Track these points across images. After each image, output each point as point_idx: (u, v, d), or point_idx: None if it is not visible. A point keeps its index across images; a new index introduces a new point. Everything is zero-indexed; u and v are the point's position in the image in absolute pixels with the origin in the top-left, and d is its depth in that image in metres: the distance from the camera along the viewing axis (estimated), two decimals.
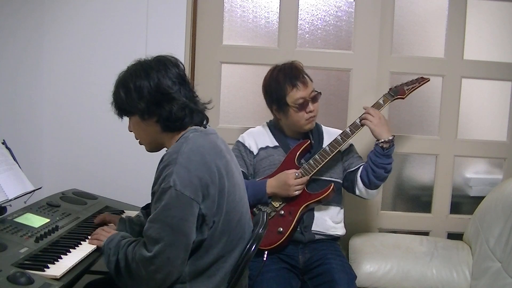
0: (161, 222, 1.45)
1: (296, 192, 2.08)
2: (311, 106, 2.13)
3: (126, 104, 1.59)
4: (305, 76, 2.15)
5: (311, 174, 2.12)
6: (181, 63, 1.63)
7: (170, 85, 1.55)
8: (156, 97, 1.54)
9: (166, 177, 1.45)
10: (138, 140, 1.68)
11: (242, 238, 1.61)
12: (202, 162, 1.49)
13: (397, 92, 2.22)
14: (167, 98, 1.55)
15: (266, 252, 2.03)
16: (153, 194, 1.52)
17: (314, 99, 2.14)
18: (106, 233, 1.66)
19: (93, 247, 1.64)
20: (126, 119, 1.66)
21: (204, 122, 1.66)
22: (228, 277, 1.58)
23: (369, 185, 2.15)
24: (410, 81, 2.25)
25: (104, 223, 1.88)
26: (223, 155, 1.58)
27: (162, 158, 1.52)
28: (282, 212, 2.12)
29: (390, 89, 2.25)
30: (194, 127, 1.59)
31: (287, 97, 2.12)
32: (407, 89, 2.22)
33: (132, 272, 1.51)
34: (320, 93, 2.16)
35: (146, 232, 1.47)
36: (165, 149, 1.64)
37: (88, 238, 1.72)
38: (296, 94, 2.10)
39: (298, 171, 2.10)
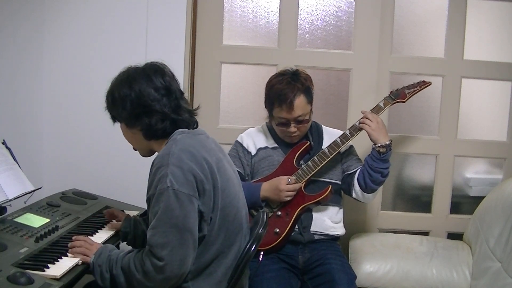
0: (165, 225, 1.44)
1: (287, 198, 2.08)
2: (292, 128, 2.12)
3: (114, 111, 1.63)
4: (300, 97, 2.07)
5: (309, 176, 2.12)
6: (169, 70, 1.64)
7: (152, 96, 1.55)
8: (136, 109, 1.56)
9: (161, 179, 1.46)
10: (132, 146, 1.71)
11: (240, 233, 1.63)
12: (193, 159, 1.50)
13: (398, 96, 2.22)
14: (146, 110, 1.56)
15: (262, 253, 2.04)
16: (148, 199, 1.52)
17: (299, 122, 2.12)
18: (90, 247, 1.60)
19: None
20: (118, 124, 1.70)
21: (194, 127, 1.67)
22: (229, 274, 1.59)
23: (365, 188, 2.15)
24: (412, 84, 2.25)
25: (113, 218, 1.93)
26: (213, 153, 1.59)
27: (153, 162, 1.54)
28: (279, 213, 2.12)
29: (391, 92, 2.25)
30: (181, 129, 1.60)
31: (273, 111, 2.13)
32: (408, 93, 2.22)
33: (135, 283, 1.49)
34: (309, 119, 2.14)
35: (151, 239, 1.45)
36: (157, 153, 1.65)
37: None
38: (279, 114, 2.11)
39: (293, 178, 2.10)
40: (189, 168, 1.47)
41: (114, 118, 1.67)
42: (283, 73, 2.16)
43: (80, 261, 1.54)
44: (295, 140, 2.19)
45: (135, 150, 1.72)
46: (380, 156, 2.10)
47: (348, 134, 2.16)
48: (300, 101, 2.07)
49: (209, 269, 1.56)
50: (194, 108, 1.71)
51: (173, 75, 1.65)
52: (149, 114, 1.56)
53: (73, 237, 1.65)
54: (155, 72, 1.60)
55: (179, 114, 1.61)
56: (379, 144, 2.10)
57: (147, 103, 1.55)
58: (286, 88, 2.07)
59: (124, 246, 1.78)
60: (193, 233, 1.47)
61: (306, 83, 2.12)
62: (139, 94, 1.55)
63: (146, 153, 1.70)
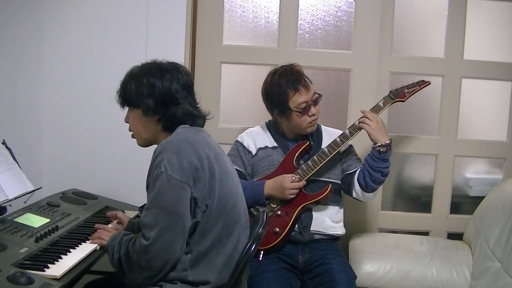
0: (156, 207, 1.50)
1: (291, 195, 2.09)
2: (313, 110, 2.13)
3: (134, 97, 1.64)
4: (306, 79, 2.14)
5: (309, 175, 2.12)
6: (190, 74, 1.72)
7: (179, 91, 1.62)
8: (165, 98, 1.61)
9: (157, 164, 1.51)
10: (132, 133, 1.73)
11: (238, 224, 1.64)
12: (191, 148, 1.55)
13: (397, 95, 2.22)
14: (174, 101, 1.62)
15: (262, 252, 2.04)
16: (147, 186, 1.57)
17: (316, 102, 2.14)
18: (108, 232, 1.70)
19: (93, 247, 1.65)
20: (125, 111, 1.71)
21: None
22: (229, 264, 1.60)
23: (365, 188, 2.15)
24: (411, 84, 2.24)
25: (114, 219, 1.95)
26: (212, 147, 1.64)
27: (155, 150, 1.59)
28: (279, 212, 2.12)
29: (390, 91, 2.25)
30: (184, 125, 1.65)
31: (289, 102, 2.11)
32: (407, 92, 2.22)
33: (133, 264, 1.53)
34: (321, 95, 2.16)
35: (142, 220, 1.52)
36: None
37: (88, 238, 1.72)
38: (298, 99, 2.10)
39: (297, 176, 2.10)
40: (186, 156, 1.52)
41: (129, 104, 1.67)
42: (276, 69, 2.19)
43: (98, 247, 1.64)
44: (314, 125, 2.18)
45: (133, 138, 1.74)
46: (380, 156, 2.10)
47: (348, 134, 2.16)
48: (308, 81, 2.14)
49: (207, 258, 1.57)
50: (206, 114, 1.75)
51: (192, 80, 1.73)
52: (176, 104, 1.62)
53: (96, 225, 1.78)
54: (183, 70, 1.68)
55: (199, 111, 1.70)
56: (379, 144, 2.10)
57: (176, 96, 1.62)
58: (291, 75, 2.11)
59: None
60: (182, 219, 1.50)
61: (301, 68, 2.18)
62: (169, 86, 1.62)
63: (147, 143, 1.73)
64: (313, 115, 2.13)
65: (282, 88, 2.11)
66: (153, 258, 1.49)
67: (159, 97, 1.61)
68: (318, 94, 2.15)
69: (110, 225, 1.90)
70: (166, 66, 1.66)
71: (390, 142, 2.12)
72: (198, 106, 1.71)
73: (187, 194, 1.51)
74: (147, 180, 1.58)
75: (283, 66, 2.18)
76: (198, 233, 1.55)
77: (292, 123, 2.17)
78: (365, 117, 2.14)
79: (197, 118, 1.68)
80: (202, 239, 1.56)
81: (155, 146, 1.68)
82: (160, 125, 1.64)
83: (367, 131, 2.13)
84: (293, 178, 2.09)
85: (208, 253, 1.57)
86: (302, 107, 2.11)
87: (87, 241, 1.70)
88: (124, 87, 1.66)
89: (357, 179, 2.16)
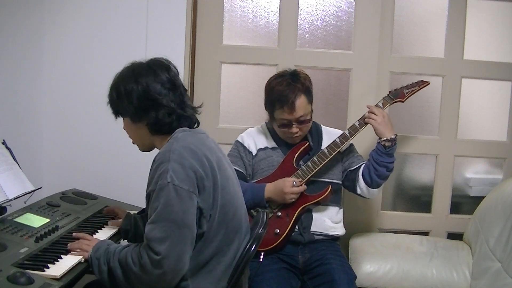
0: (165, 220, 1.44)
1: (291, 200, 2.09)
2: (294, 129, 2.11)
3: (119, 106, 1.62)
4: (300, 97, 2.07)
5: (308, 176, 2.12)
6: (173, 66, 1.65)
7: (159, 91, 1.57)
8: (144, 103, 1.57)
9: (161, 174, 1.46)
10: (132, 140, 1.71)
11: (239, 231, 1.63)
12: (194, 156, 1.51)
13: (397, 95, 2.22)
14: (153, 104, 1.57)
15: (262, 253, 2.03)
16: (148, 195, 1.53)
17: (302, 123, 2.11)
18: (89, 242, 1.61)
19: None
20: (121, 119, 1.69)
21: (195, 126, 1.68)
22: (228, 272, 1.59)
23: (370, 183, 2.15)
24: (410, 84, 2.25)
25: (112, 214, 1.95)
26: (213, 151, 1.60)
27: (155, 158, 1.55)
28: (279, 213, 2.12)
29: (389, 92, 2.25)
30: (182, 128, 1.61)
31: (274, 113, 2.12)
32: (406, 92, 2.22)
33: (132, 276, 1.48)
34: (310, 119, 2.13)
35: (149, 234, 1.45)
36: (156, 149, 1.67)
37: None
38: (280, 115, 2.10)
39: (298, 180, 2.10)
40: (190, 165, 1.48)
41: (117, 113, 1.66)
42: (282, 74, 2.16)
43: (83, 259, 1.55)
44: (297, 141, 2.19)
45: (134, 144, 1.72)
46: (386, 150, 2.10)
47: (348, 134, 2.16)
48: (301, 101, 2.07)
49: (208, 267, 1.56)
50: (196, 106, 1.71)
51: (177, 71, 1.66)
52: (157, 107, 1.57)
53: (73, 234, 1.67)
54: (160, 67, 1.61)
55: (184, 110, 1.63)
56: (385, 138, 2.10)
57: (154, 97, 1.56)
58: (286, 90, 2.07)
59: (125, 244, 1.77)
60: (191, 230, 1.47)
61: (306, 83, 2.12)
62: (146, 88, 1.56)
63: (147, 148, 1.70)
64: (293, 132, 2.12)
65: (272, 96, 2.11)
66: (164, 273, 1.43)
67: (138, 103, 1.56)
68: (307, 118, 2.11)
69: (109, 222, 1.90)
70: (140, 68, 1.60)
71: (396, 137, 2.12)
72: (185, 100, 1.63)
73: (194, 203, 1.47)
74: (147, 189, 1.53)
75: (290, 73, 2.14)
76: (201, 242, 1.53)
77: (276, 129, 2.20)
78: (371, 112, 2.15)
79: (182, 117, 1.61)
80: (203, 249, 1.54)
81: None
82: (148, 129, 1.61)
83: (373, 126, 2.13)
84: (294, 183, 2.09)
85: (208, 263, 1.55)
86: (283, 122, 2.11)
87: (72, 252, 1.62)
88: (110, 98, 1.64)
89: (362, 175, 2.16)
